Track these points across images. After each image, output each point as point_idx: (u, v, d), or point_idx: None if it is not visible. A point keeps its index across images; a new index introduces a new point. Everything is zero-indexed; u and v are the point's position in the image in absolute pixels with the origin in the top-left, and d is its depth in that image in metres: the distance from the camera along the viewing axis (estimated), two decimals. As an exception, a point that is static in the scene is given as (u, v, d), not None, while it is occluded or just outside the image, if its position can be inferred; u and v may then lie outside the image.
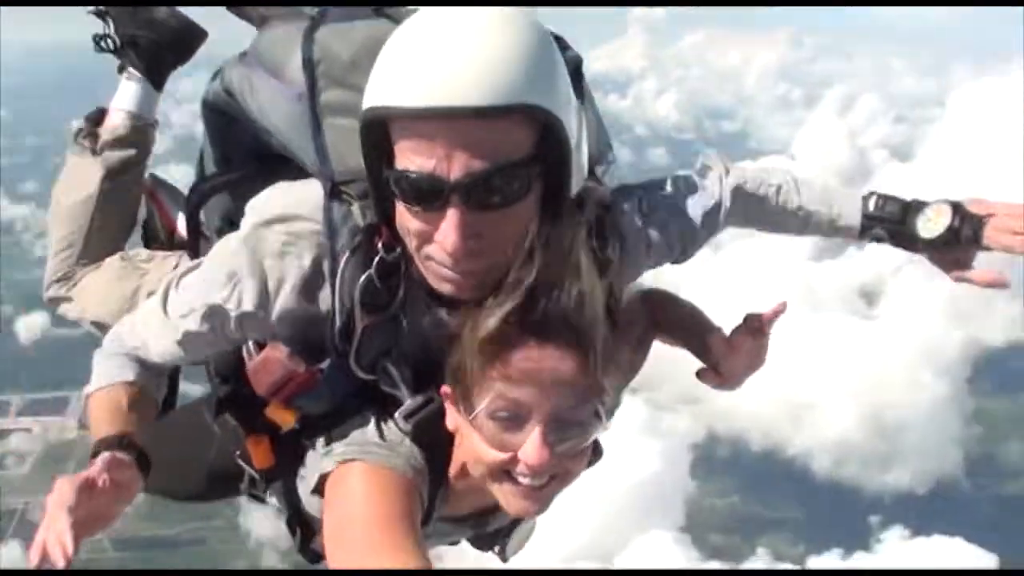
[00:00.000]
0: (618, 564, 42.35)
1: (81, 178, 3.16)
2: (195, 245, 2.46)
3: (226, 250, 1.99)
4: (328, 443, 2.01)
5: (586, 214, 1.91)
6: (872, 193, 2.31)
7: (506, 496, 1.77)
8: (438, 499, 1.99)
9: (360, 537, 1.74)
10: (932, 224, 2.20)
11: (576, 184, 1.82)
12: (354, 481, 1.86)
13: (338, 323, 1.91)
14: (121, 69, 3.25)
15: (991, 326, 75.54)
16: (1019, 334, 73.68)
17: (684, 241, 2.22)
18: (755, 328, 2.13)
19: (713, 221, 2.25)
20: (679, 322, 2.36)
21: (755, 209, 2.34)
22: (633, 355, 2.29)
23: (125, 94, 3.22)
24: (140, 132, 3.21)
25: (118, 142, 3.16)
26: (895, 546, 49.60)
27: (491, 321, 1.64)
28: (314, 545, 2.33)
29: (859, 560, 46.87)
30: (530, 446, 1.67)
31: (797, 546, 51.97)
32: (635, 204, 2.13)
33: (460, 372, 1.72)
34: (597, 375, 1.67)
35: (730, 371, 2.16)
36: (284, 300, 1.92)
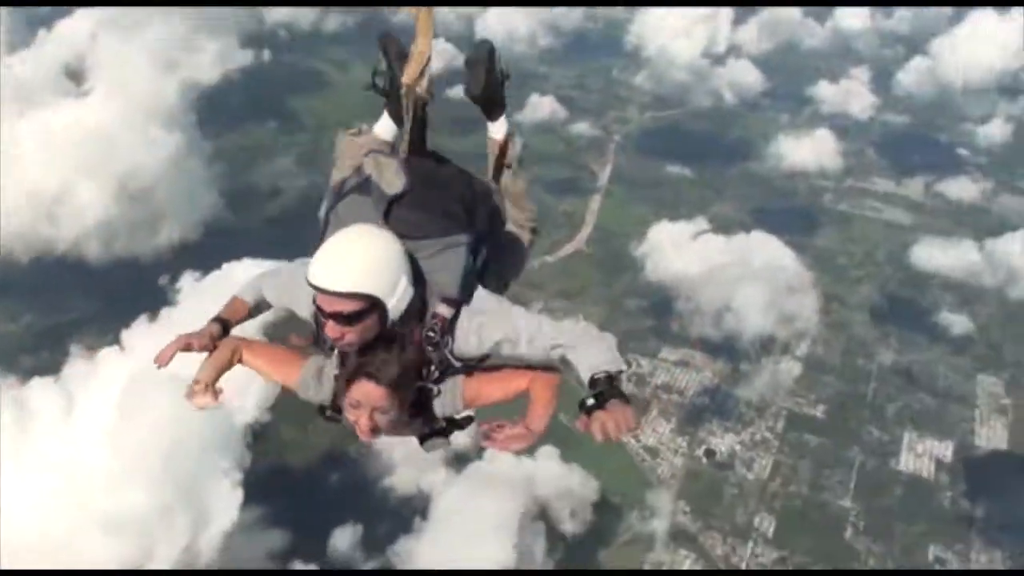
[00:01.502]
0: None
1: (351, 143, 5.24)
2: (323, 236, 4.44)
3: (299, 270, 4.33)
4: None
5: (426, 324, 4.17)
6: (606, 372, 3.95)
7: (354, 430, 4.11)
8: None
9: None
10: (585, 399, 3.86)
11: (395, 316, 4.01)
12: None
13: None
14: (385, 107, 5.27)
15: (201, 65, 78.86)
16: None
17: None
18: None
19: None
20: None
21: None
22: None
23: (384, 126, 5.24)
24: (383, 146, 5.16)
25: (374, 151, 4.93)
26: (193, 288, 52.49)
27: (348, 370, 4.04)
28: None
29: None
30: (360, 423, 4.06)
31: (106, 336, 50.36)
32: (471, 323, 4.22)
33: (339, 378, 4.17)
34: (394, 397, 4.02)
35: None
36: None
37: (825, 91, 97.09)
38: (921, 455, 55.67)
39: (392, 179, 4.37)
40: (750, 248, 70.14)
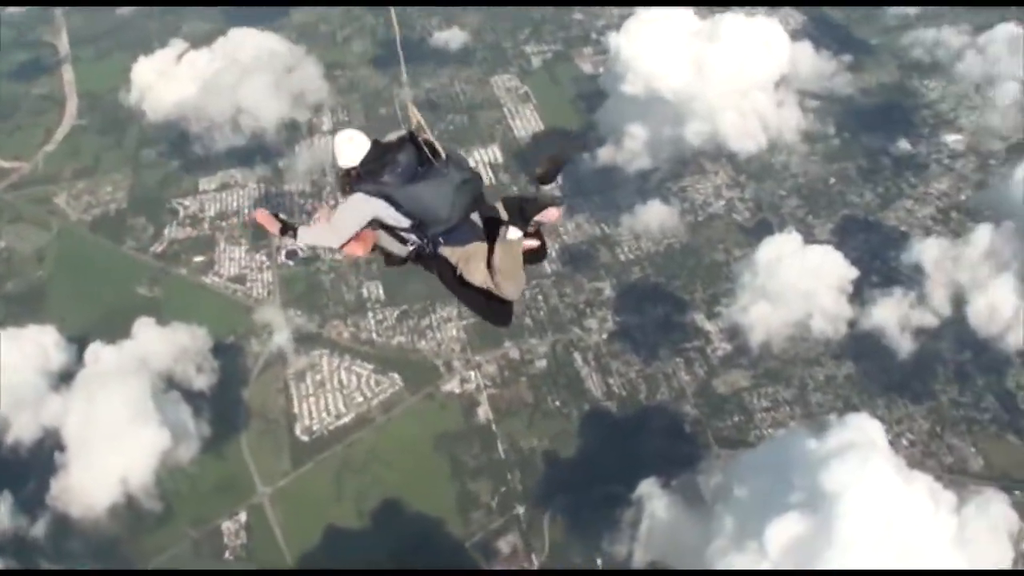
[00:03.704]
0: None
1: None
2: None
3: None
4: None
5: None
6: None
7: None
8: None
9: None
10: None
11: (341, 166, 7.21)
12: None
13: None
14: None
15: None
16: None
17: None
18: None
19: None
20: None
21: None
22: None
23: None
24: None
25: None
26: None
27: None
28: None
29: None
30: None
31: None
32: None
33: None
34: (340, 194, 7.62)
35: None
36: None
37: None
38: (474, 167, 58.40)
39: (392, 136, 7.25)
40: (234, 47, 68.78)
